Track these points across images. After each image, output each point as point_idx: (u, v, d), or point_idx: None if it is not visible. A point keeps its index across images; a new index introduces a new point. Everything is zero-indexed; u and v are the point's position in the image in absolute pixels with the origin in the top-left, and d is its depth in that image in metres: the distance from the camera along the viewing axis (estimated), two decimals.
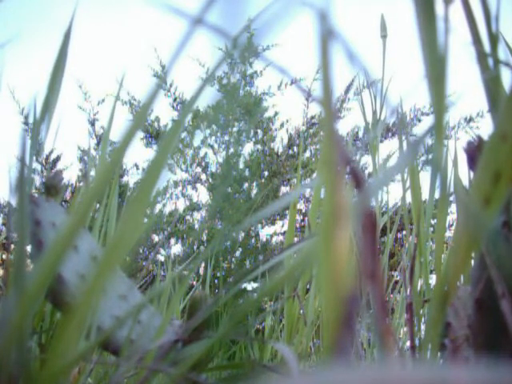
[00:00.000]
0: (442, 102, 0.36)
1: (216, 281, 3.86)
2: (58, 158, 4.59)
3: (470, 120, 4.56)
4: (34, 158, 0.58)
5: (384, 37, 1.06)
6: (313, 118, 4.96)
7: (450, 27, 0.37)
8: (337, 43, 0.30)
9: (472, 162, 0.53)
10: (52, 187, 0.77)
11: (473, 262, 0.52)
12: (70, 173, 5.08)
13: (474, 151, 0.52)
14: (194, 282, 3.90)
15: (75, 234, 0.32)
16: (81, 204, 0.32)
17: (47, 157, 4.45)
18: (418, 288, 0.87)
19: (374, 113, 1.07)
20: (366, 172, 4.75)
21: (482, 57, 0.41)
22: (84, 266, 0.69)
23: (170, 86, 4.81)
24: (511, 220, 0.49)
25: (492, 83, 0.41)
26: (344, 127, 5.03)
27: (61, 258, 0.32)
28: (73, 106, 4.71)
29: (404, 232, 4.21)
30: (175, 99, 4.88)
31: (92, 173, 1.02)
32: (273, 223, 4.82)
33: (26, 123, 4.32)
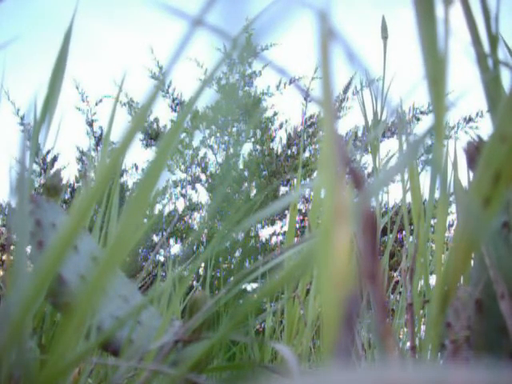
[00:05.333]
0: (441, 103, 0.36)
1: (216, 281, 3.86)
2: (55, 158, 4.58)
3: (469, 120, 4.56)
4: (33, 158, 0.58)
5: (385, 38, 1.06)
6: (311, 117, 4.96)
7: (450, 29, 0.37)
8: (337, 43, 0.30)
9: (472, 162, 0.53)
10: (52, 187, 0.77)
11: (473, 262, 0.52)
12: (68, 173, 5.08)
13: (474, 151, 0.52)
14: (194, 283, 3.90)
15: (75, 234, 0.32)
16: (81, 204, 0.32)
17: (44, 157, 4.44)
18: (418, 288, 0.88)
19: (375, 113, 1.07)
20: (366, 172, 4.75)
21: (481, 58, 0.41)
22: (84, 267, 0.69)
23: (169, 87, 4.82)
24: (511, 220, 0.49)
25: (492, 84, 0.41)
26: (343, 127, 5.03)
27: (61, 259, 0.32)
28: (70, 107, 4.71)
29: (404, 232, 4.21)
30: (174, 100, 4.88)
31: (91, 173, 1.02)
32: (272, 224, 4.82)
33: (22, 124, 4.32)
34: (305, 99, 4.86)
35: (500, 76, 0.42)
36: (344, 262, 0.25)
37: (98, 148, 4.70)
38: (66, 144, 5.10)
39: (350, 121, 5.98)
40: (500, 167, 0.36)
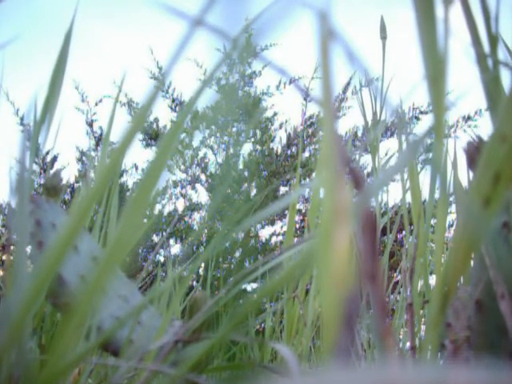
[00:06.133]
0: (441, 103, 0.36)
1: (216, 282, 3.86)
2: (55, 158, 4.58)
3: (468, 119, 4.56)
4: (33, 159, 0.58)
5: (384, 38, 1.06)
6: (311, 117, 4.96)
7: (450, 28, 0.37)
8: (337, 43, 0.30)
9: (472, 162, 0.53)
10: (52, 188, 0.77)
11: (473, 262, 0.52)
12: (68, 173, 5.08)
13: (474, 151, 0.52)
14: (194, 283, 3.90)
15: (75, 234, 0.32)
16: (81, 205, 0.32)
17: (44, 157, 4.44)
18: (418, 288, 0.88)
19: (374, 113, 1.07)
20: (366, 172, 4.75)
21: (481, 58, 0.41)
22: (84, 267, 0.69)
23: (169, 87, 4.81)
24: (511, 221, 0.49)
25: (492, 84, 0.41)
26: (343, 126, 5.03)
27: (61, 259, 0.32)
28: (70, 107, 4.70)
29: (404, 232, 4.21)
30: (174, 100, 4.88)
31: (91, 173, 1.02)
32: (272, 224, 4.82)
33: (21, 124, 4.31)
34: (304, 99, 4.86)
35: (500, 76, 0.42)
36: (344, 262, 0.25)
37: (98, 148, 4.70)
38: (66, 144, 5.09)
39: (350, 120, 5.97)
40: (500, 167, 0.36)
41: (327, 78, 0.28)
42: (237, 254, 4.40)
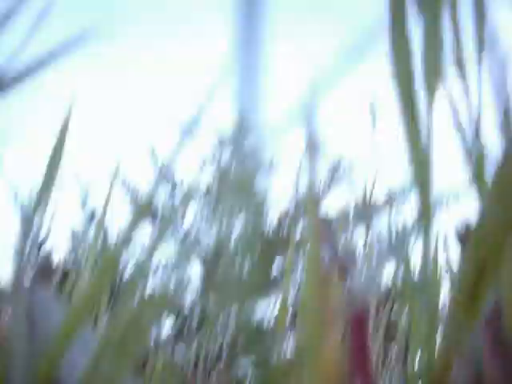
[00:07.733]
0: (428, 209, 0.36)
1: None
2: (45, 239, 4.51)
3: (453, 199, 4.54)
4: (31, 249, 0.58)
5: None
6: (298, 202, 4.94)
7: (433, 129, 0.38)
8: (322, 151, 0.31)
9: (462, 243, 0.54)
10: (44, 271, 0.77)
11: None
12: (59, 254, 5.00)
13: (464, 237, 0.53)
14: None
15: (74, 334, 0.32)
16: (78, 303, 0.32)
17: (38, 241, 4.38)
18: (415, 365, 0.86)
19: (364, 196, 1.08)
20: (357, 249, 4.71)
21: (467, 152, 0.42)
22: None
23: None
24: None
25: (477, 176, 0.42)
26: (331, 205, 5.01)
27: (58, 358, 0.32)
28: (67, 183, 4.67)
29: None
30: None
31: (83, 259, 1.02)
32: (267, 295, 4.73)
33: (20, 209, 4.27)
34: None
35: (484, 164, 0.43)
36: (332, 361, 0.25)
37: (92, 227, 4.66)
38: (59, 222, 5.04)
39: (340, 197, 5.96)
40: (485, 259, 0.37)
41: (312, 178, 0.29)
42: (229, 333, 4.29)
